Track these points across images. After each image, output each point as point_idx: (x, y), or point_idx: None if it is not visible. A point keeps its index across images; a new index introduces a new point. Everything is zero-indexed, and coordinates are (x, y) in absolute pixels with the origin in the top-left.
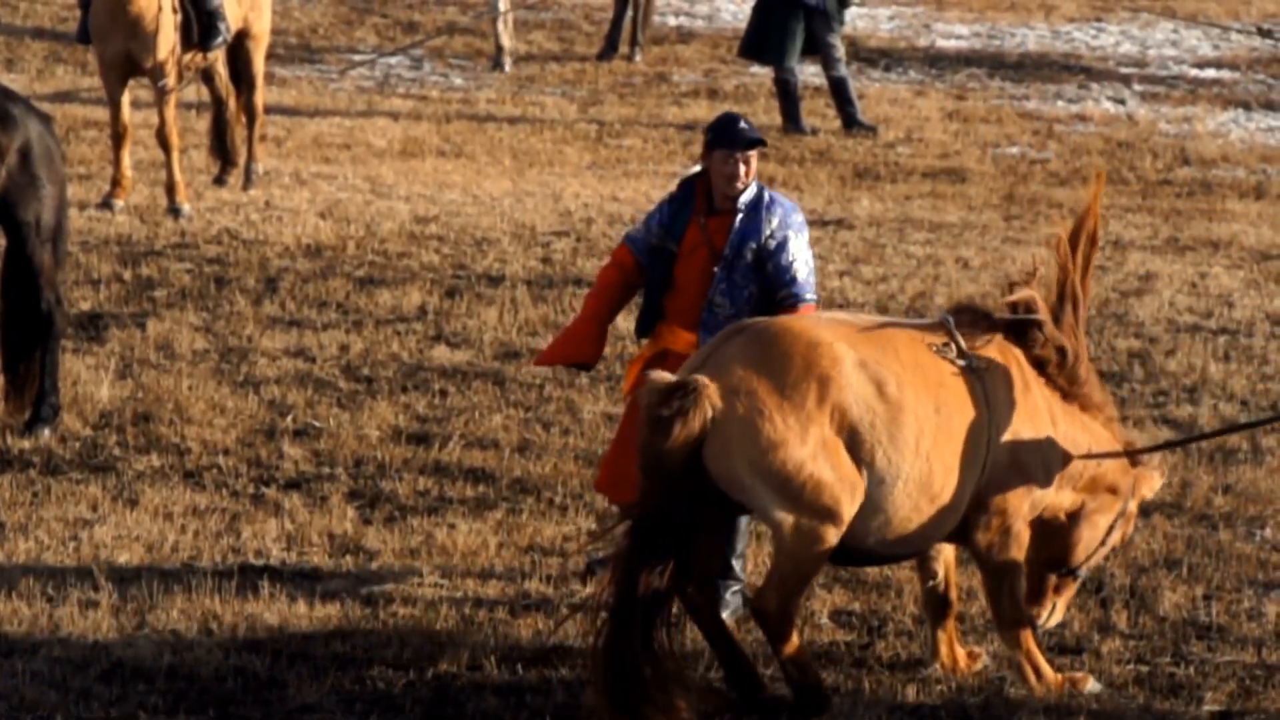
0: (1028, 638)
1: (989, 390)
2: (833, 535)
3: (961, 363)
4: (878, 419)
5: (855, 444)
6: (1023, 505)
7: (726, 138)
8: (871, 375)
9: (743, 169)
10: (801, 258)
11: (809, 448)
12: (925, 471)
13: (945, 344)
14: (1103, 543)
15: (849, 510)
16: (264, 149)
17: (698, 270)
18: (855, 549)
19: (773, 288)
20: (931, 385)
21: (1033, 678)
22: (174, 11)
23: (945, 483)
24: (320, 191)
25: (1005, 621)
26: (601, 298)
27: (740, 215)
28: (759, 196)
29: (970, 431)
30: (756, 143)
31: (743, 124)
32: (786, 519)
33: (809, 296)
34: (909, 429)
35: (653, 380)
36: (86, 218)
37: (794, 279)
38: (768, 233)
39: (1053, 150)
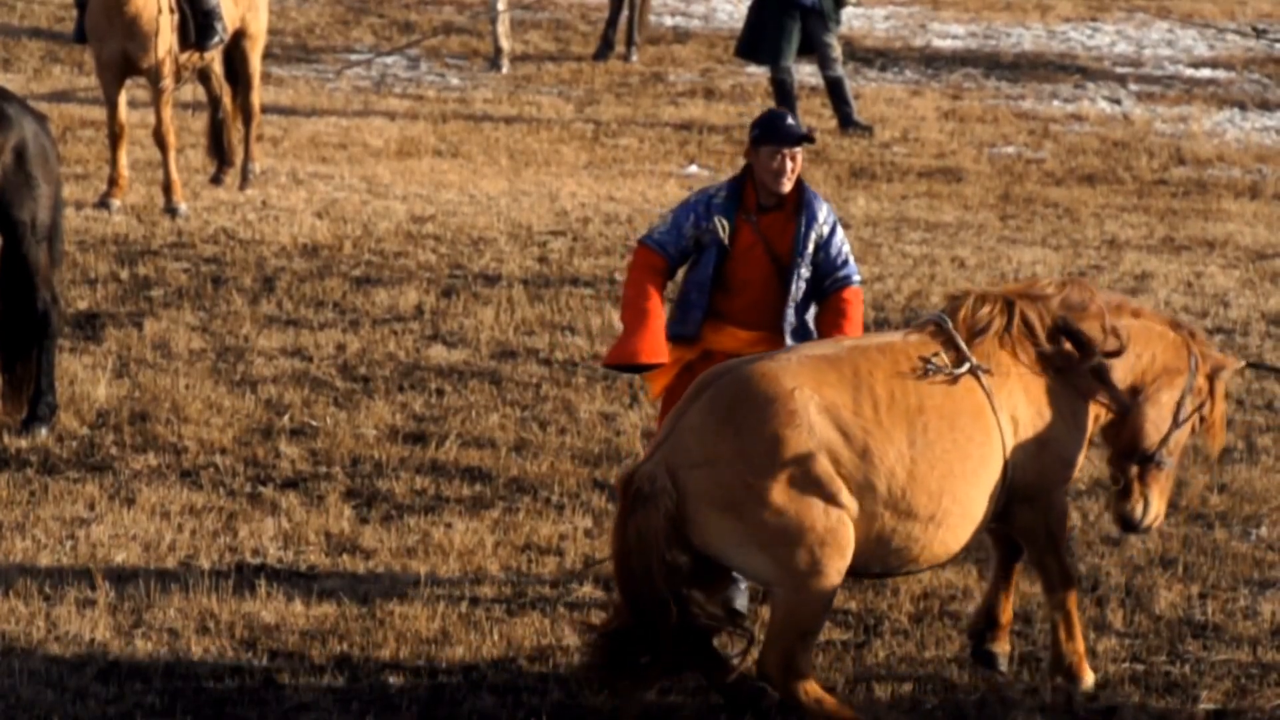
0: (1071, 600)
1: (993, 388)
2: (827, 585)
3: (961, 369)
4: (843, 464)
5: (832, 481)
6: (1059, 478)
7: (774, 134)
8: (834, 420)
9: (790, 165)
10: (846, 242)
11: (778, 504)
12: (910, 505)
13: (936, 354)
14: (1175, 423)
15: (836, 556)
16: (261, 149)
17: (757, 269)
18: (868, 574)
19: (824, 273)
20: (909, 415)
21: (1064, 636)
22: (171, 11)
23: (941, 505)
24: (317, 191)
25: (1053, 584)
26: (654, 298)
27: (803, 210)
28: (806, 189)
29: (972, 443)
30: (804, 139)
31: (790, 120)
32: (778, 578)
33: (857, 278)
34: (875, 471)
35: (621, 476)
36: (83, 217)
37: (846, 262)
38: (822, 220)
39: (1048, 150)
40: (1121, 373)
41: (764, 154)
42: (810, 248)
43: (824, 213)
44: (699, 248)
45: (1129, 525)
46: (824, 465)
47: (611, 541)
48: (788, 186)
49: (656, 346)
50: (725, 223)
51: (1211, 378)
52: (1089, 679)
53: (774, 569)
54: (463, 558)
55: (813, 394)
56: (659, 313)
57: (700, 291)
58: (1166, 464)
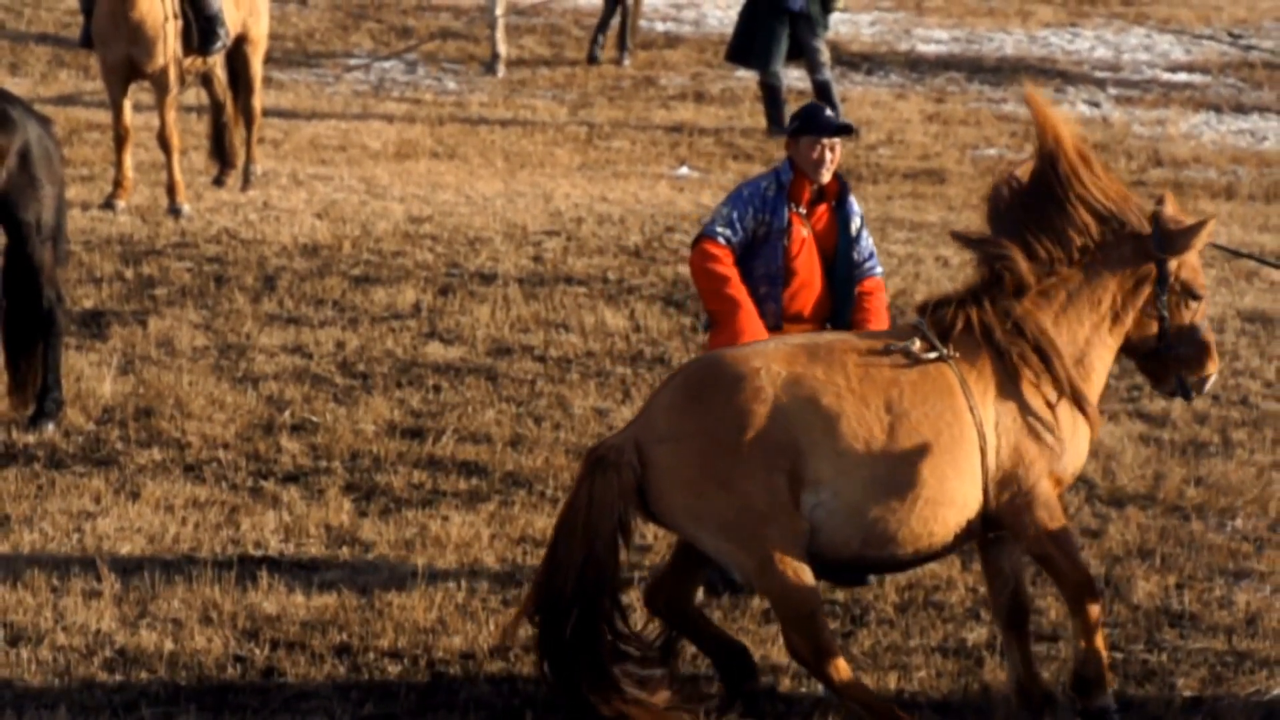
0: (1092, 605)
1: (966, 375)
2: (794, 562)
3: (931, 355)
4: (814, 432)
5: (795, 462)
6: (1043, 469)
7: (814, 124)
8: (804, 391)
9: (829, 155)
10: (869, 235)
11: (740, 484)
12: (883, 472)
13: (907, 341)
14: (1160, 318)
15: (794, 535)
16: (262, 151)
17: (809, 262)
18: (847, 560)
19: (853, 264)
20: (881, 387)
21: (1082, 644)
22: (174, 17)
23: (916, 478)
24: (317, 192)
25: (1068, 583)
26: (740, 286)
27: (844, 202)
28: (844, 181)
29: (943, 420)
30: (844, 129)
31: (828, 112)
32: (744, 560)
33: (879, 269)
34: (852, 435)
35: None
36: (89, 218)
37: (872, 253)
38: (856, 210)
39: (1030, 152)
40: (1106, 348)
41: (804, 144)
42: (852, 238)
43: (856, 205)
44: (753, 241)
45: (1180, 397)
46: (790, 440)
47: (563, 504)
48: (827, 176)
49: (758, 330)
50: (751, 218)
51: (1187, 234)
52: (1108, 695)
53: (738, 548)
54: (459, 550)
55: (781, 370)
56: (748, 298)
57: (772, 284)
58: (1180, 348)
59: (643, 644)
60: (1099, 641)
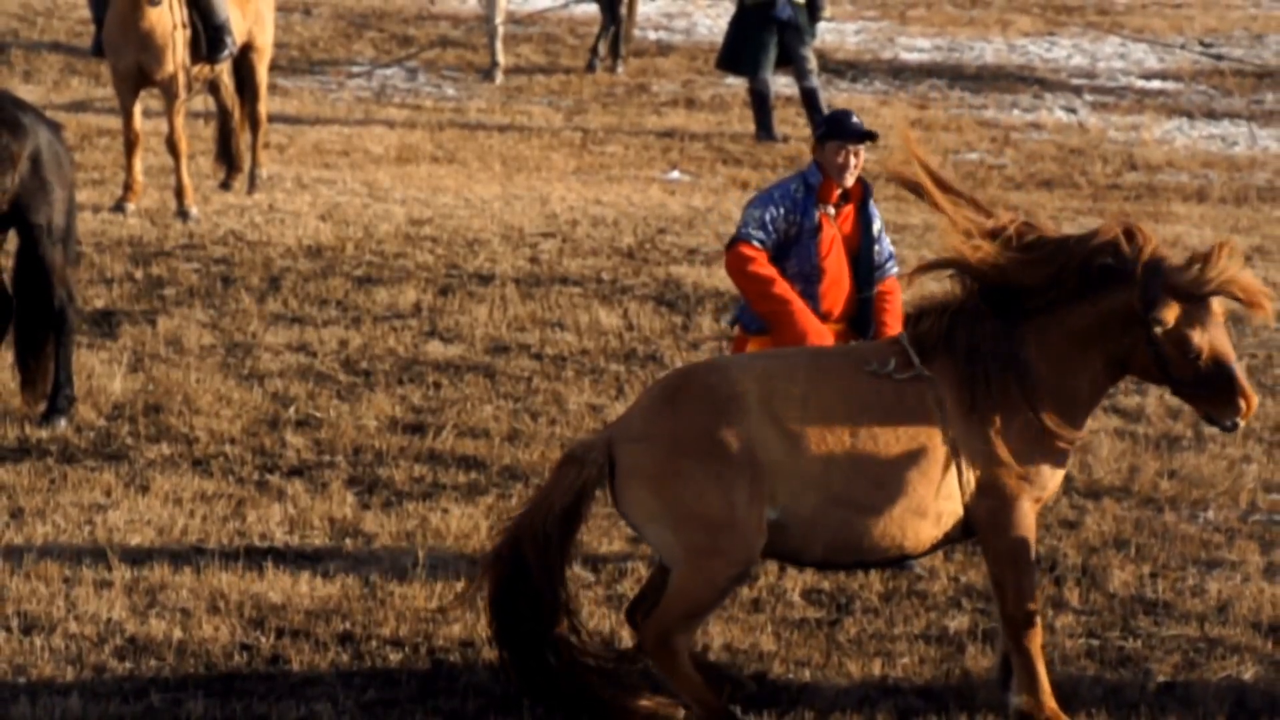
0: (1032, 642)
1: (941, 394)
2: (723, 574)
3: (906, 375)
4: (775, 451)
5: (756, 475)
6: (1015, 483)
7: (839, 130)
8: (771, 405)
9: (854, 160)
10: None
11: (694, 486)
12: (845, 488)
13: (889, 360)
14: (1155, 359)
15: (741, 548)
16: (267, 155)
17: (836, 262)
18: (815, 561)
19: (874, 265)
20: (854, 410)
21: (1026, 688)
22: (183, 26)
23: (879, 494)
24: (320, 195)
25: (1009, 618)
26: (787, 285)
27: (867, 204)
28: (867, 185)
29: (916, 442)
30: (868, 136)
31: (854, 118)
32: (679, 557)
33: (896, 269)
34: (813, 452)
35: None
36: (100, 220)
37: (891, 254)
38: (876, 213)
39: (1009, 157)
40: (1094, 371)
41: (829, 149)
42: (874, 239)
43: (876, 208)
44: (783, 242)
45: (1219, 427)
46: (751, 456)
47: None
48: (851, 180)
49: (818, 327)
50: (782, 220)
51: (1185, 293)
52: None
53: (677, 548)
54: (459, 541)
55: (754, 384)
56: (796, 294)
57: (806, 282)
58: (1194, 387)
59: (603, 646)
60: (1044, 687)
